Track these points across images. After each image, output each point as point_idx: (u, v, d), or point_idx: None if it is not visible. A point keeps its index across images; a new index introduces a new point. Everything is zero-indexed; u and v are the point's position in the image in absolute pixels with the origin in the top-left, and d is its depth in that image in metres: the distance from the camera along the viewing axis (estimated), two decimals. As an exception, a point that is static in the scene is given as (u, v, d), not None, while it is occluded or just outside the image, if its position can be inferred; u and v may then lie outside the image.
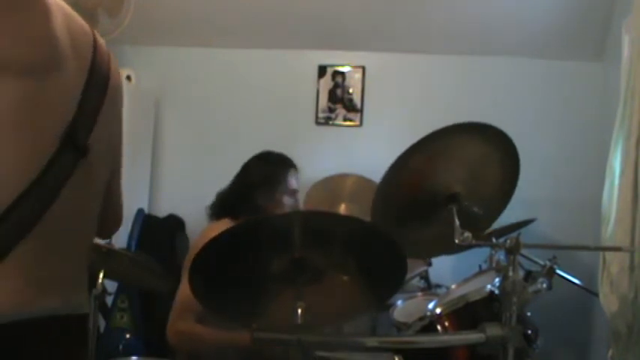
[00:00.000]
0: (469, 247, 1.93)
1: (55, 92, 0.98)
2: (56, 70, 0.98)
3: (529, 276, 1.79)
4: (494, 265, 1.72)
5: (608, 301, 2.18)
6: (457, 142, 1.74)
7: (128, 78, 3.28)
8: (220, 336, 2.03)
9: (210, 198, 2.43)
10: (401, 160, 1.69)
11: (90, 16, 2.93)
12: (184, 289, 1.79)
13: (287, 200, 2.33)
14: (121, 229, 1.29)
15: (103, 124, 1.06)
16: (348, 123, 3.45)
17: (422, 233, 1.88)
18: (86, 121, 1.02)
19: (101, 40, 1.12)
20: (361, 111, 3.44)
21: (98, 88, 1.06)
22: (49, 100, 0.97)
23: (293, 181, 2.36)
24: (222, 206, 2.33)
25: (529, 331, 1.86)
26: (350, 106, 3.45)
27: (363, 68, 3.44)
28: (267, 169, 2.35)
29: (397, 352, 1.91)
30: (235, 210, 2.27)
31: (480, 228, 1.97)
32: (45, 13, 1.00)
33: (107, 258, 2.07)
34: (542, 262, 1.87)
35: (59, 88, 0.99)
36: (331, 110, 3.46)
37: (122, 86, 1.17)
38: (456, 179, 1.78)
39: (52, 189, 0.96)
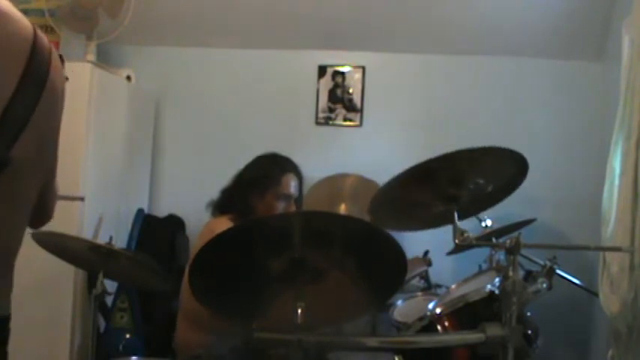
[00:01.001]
0: (469, 247, 1.94)
1: None
2: None
3: (529, 276, 1.79)
4: (494, 265, 1.72)
5: (608, 301, 2.18)
6: (472, 162, 1.74)
7: (128, 78, 3.28)
8: None
9: (210, 198, 2.43)
10: (405, 174, 1.69)
11: (90, 16, 2.93)
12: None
13: (279, 204, 2.30)
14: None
15: (33, 128, 1.02)
16: (348, 123, 3.45)
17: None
18: (9, 131, 0.98)
19: (43, 41, 1.06)
20: (361, 111, 3.44)
21: (31, 93, 1.01)
22: None
23: (289, 186, 2.34)
24: (221, 203, 2.33)
25: (529, 331, 1.86)
26: (350, 106, 3.45)
27: (363, 68, 3.44)
28: (263, 170, 2.35)
29: (397, 352, 1.91)
30: (228, 207, 2.27)
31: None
32: None
33: (107, 258, 2.07)
34: (542, 262, 1.87)
35: None
36: (331, 110, 3.46)
37: (64, 83, 1.12)
38: (458, 182, 1.78)
39: None
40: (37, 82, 1.03)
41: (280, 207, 2.30)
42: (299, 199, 2.42)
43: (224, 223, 2.09)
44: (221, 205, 2.33)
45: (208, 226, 2.24)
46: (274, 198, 2.30)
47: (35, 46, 1.03)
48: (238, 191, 2.32)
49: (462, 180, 1.76)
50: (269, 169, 2.35)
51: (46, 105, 1.05)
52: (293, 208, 2.35)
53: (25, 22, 1.05)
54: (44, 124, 1.07)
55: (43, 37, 1.06)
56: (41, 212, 1.22)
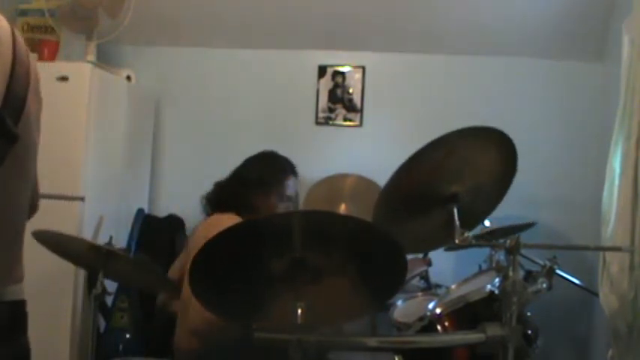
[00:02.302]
0: (469, 247, 1.94)
1: None
2: None
3: (529, 276, 1.79)
4: (494, 265, 1.72)
5: (608, 301, 2.18)
6: (461, 145, 1.74)
7: (128, 78, 3.28)
8: None
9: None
10: (407, 164, 1.69)
11: (90, 16, 2.93)
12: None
13: (281, 205, 2.30)
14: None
15: (27, 113, 1.08)
16: (348, 123, 3.45)
17: (422, 229, 1.88)
18: (13, 111, 1.04)
19: (18, 35, 1.12)
20: (361, 111, 3.44)
21: (21, 81, 1.07)
22: None
23: (290, 188, 2.34)
24: (218, 199, 2.32)
25: (529, 331, 1.86)
26: (350, 106, 3.45)
27: (363, 68, 3.44)
28: (266, 171, 2.34)
29: (397, 352, 1.91)
30: (227, 206, 2.26)
31: (477, 219, 1.98)
32: None
33: (107, 258, 2.07)
34: (542, 262, 1.87)
35: None
36: (331, 110, 3.46)
37: (37, 69, 1.18)
38: (456, 179, 1.78)
39: None
40: (24, 70, 1.08)
41: (282, 208, 2.30)
42: (296, 199, 2.43)
43: (233, 220, 2.09)
44: (222, 202, 2.31)
45: (216, 223, 2.20)
46: (278, 199, 2.30)
47: (15, 36, 1.09)
48: (242, 190, 2.30)
49: (456, 173, 1.77)
50: (274, 171, 2.34)
51: (33, 90, 1.11)
52: (291, 209, 2.35)
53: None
54: (34, 107, 1.13)
55: (14, 27, 1.13)
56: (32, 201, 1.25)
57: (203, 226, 2.27)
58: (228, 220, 2.09)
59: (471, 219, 1.88)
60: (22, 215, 1.15)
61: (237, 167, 2.39)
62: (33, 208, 1.28)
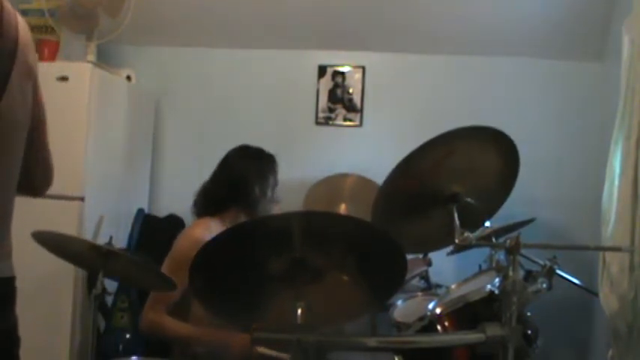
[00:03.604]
0: (469, 247, 1.94)
1: None
2: None
3: (529, 276, 1.79)
4: (494, 265, 1.72)
5: (608, 301, 2.18)
6: (461, 145, 1.74)
7: (128, 78, 3.28)
8: (183, 330, 2.13)
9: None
10: (404, 162, 1.69)
11: (90, 16, 2.93)
12: None
13: (275, 195, 2.36)
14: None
15: (13, 86, 1.07)
16: (348, 123, 3.45)
17: (422, 229, 1.88)
18: None
19: (8, 6, 1.11)
20: (361, 111, 3.44)
21: (6, 54, 1.07)
22: None
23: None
24: (214, 202, 2.32)
25: (529, 331, 1.86)
26: (350, 106, 3.45)
27: (363, 68, 3.44)
28: (260, 163, 2.37)
29: (397, 352, 1.91)
30: (227, 205, 2.27)
31: (478, 221, 1.98)
32: None
33: (107, 258, 2.06)
34: (542, 262, 1.87)
35: None
36: (331, 110, 3.46)
37: (31, 41, 1.18)
38: (456, 179, 1.78)
39: None
40: (10, 42, 1.07)
41: (276, 198, 2.37)
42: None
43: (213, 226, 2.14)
44: (214, 205, 2.31)
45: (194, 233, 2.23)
46: (272, 191, 2.37)
47: (2, 8, 1.09)
48: (243, 190, 2.31)
49: (456, 173, 1.77)
50: (264, 164, 2.37)
51: (21, 63, 1.10)
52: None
53: None
54: (23, 80, 1.12)
55: (5, 2, 1.12)
56: (42, 172, 1.25)
57: (184, 235, 2.32)
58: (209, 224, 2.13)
59: (474, 220, 1.87)
60: (9, 192, 1.14)
61: (220, 168, 2.40)
62: (47, 179, 1.28)
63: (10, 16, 1.10)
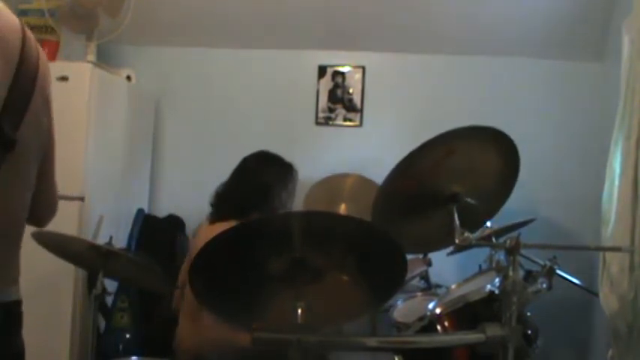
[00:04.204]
0: (469, 247, 1.94)
1: None
2: None
3: (529, 276, 1.79)
4: (494, 265, 1.72)
5: (608, 301, 2.18)
6: (461, 145, 1.74)
7: (128, 78, 3.28)
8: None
9: (209, 198, 2.42)
10: (404, 162, 1.69)
11: (90, 16, 2.93)
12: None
13: (291, 201, 2.39)
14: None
15: (31, 115, 1.08)
16: (348, 123, 3.45)
17: (422, 229, 1.88)
18: (13, 116, 1.04)
19: (30, 36, 1.12)
20: (361, 111, 3.44)
21: (26, 83, 1.07)
22: None
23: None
24: (235, 207, 2.29)
25: (529, 331, 1.86)
26: (350, 106, 3.45)
27: (363, 68, 3.44)
28: (282, 172, 2.39)
29: (397, 352, 1.91)
30: (250, 210, 2.25)
31: (479, 222, 1.98)
32: None
33: (107, 258, 2.07)
34: (542, 262, 1.87)
35: None
36: (331, 110, 3.46)
37: (49, 72, 1.19)
38: (456, 179, 1.78)
39: None
40: (31, 70, 1.08)
41: (292, 205, 2.40)
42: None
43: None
44: (251, 205, 2.29)
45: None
46: (290, 197, 2.39)
47: (25, 37, 1.09)
48: (262, 195, 2.31)
49: (456, 173, 1.77)
50: (285, 171, 2.40)
51: (39, 92, 1.11)
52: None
53: (12, 15, 1.11)
54: (40, 110, 1.13)
55: (28, 29, 1.13)
56: (45, 201, 1.25)
57: (206, 234, 2.27)
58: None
59: (474, 220, 1.87)
60: (20, 216, 1.15)
61: (242, 173, 2.39)
62: (51, 209, 1.28)
63: (31, 44, 1.11)
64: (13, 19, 1.10)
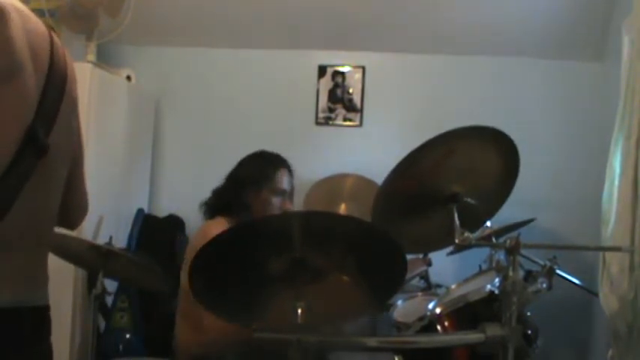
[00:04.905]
0: (469, 246, 1.94)
1: (14, 97, 1.00)
2: (16, 76, 1.00)
3: (529, 276, 1.79)
4: (494, 265, 1.72)
5: (608, 301, 2.18)
6: (461, 145, 1.74)
7: (128, 78, 3.28)
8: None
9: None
10: (405, 162, 1.69)
11: (90, 16, 2.93)
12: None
13: (274, 200, 2.30)
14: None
15: (62, 120, 1.09)
16: (348, 123, 3.45)
17: (422, 229, 1.88)
18: (45, 121, 1.05)
19: (56, 38, 1.13)
20: (361, 111, 3.44)
21: (56, 87, 1.08)
22: (9, 105, 0.99)
23: (282, 181, 2.34)
24: (215, 204, 2.33)
25: (529, 331, 1.86)
26: (350, 106, 3.45)
27: (363, 68, 3.44)
28: (256, 167, 2.35)
29: (397, 352, 1.91)
30: (226, 208, 2.27)
31: (479, 222, 1.98)
32: (2, 18, 1.00)
33: (107, 258, 2.07)
34: (542, 262, 1.87)
35: (18, 92, 1.00)
36: (331, 110, 3.46)
37: (76, 77, 1.20)
38: (456, 179, 1.78)
39: (15, 189, 0.99)
40: (60, 75, 1.10)
41: (276, 203, 2.30)
42: (291, 194, 2.43)
43: (219, 225, 2.09)
44: (215, 206, 2.32)
45: (203, 230, 2.23)
46: (270, 194, 2.30)
47: (52, 41, 1.10)
48: (233, 191, 2.32)
49: (456, 173, 1.77)
50: (262, 167, 2.35)
51: (69, 96, 1.13)
52: (288, 204, 2.36)
53: (38, 20, 1.11)
54: (69, 113, 1.15)
55: (54, 33, 1.14)
56: (77, 204, 1.27)
57: (194, 235, 2.31)
58: (214, 225, 2.12)
59: (474, 220, 1.87)
60: (50, 220, 1.15)
61: (231, 171, 2.40)
62: (82, 211, 1.29)
63: (59, 49, 1.11)
64: (41, 25, 1.11)
